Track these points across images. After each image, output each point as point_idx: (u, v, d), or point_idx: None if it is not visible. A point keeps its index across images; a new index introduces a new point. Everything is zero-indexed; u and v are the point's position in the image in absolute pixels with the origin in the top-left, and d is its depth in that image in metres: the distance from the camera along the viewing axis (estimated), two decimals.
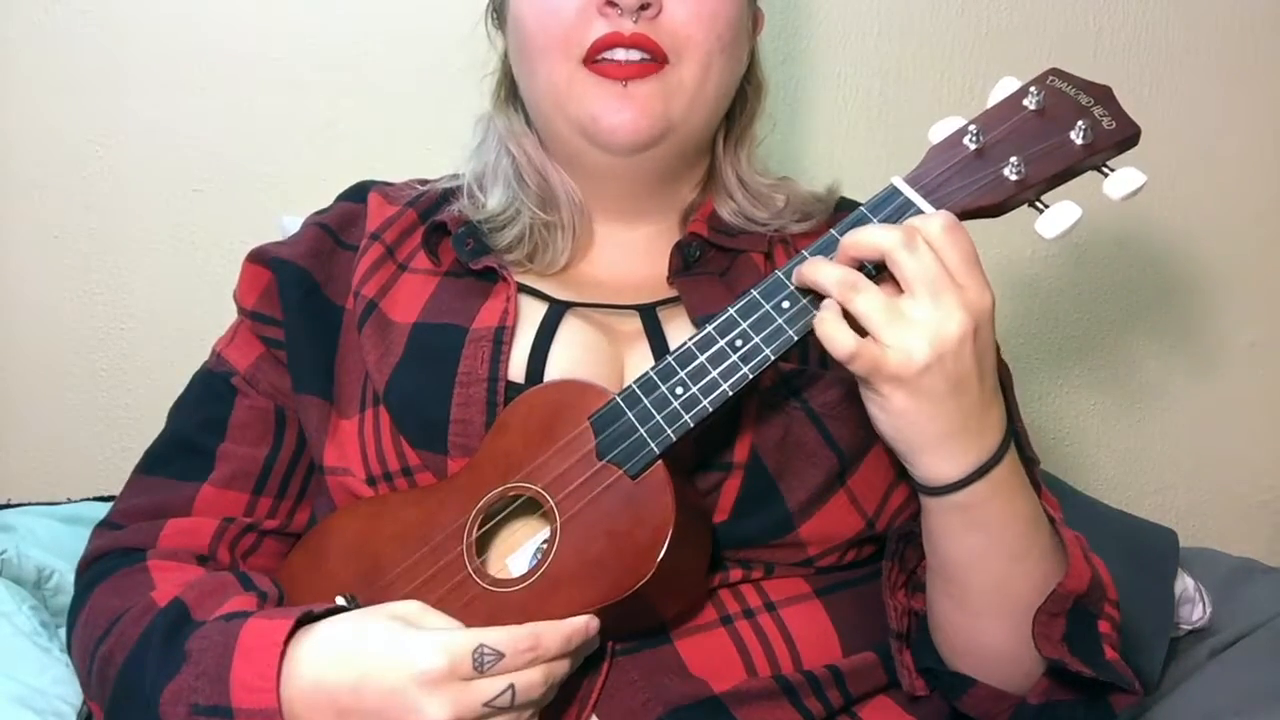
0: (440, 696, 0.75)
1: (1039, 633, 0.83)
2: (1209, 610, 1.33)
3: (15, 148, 1.43)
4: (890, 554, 0.93)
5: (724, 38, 0.97)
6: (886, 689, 0.91)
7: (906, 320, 0.76)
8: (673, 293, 0.99)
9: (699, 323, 0.94)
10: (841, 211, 1.07)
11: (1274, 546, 1.64)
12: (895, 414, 0.79)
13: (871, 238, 0.78)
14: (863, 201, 1.10)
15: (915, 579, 0.94)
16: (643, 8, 0.93)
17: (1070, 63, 1.51)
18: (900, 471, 0.93)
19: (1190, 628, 1.33)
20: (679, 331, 0.95)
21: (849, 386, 0.93)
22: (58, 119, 1.43)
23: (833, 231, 0.82)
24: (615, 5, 0.93)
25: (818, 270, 0.79)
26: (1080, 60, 1.52)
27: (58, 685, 0.99)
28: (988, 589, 0.86)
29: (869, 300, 0.76)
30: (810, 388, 0.92)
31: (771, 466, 0.90)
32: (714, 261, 1.01)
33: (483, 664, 0.76)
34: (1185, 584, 1.33)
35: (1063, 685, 0.87)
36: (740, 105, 1.06)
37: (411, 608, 0.81)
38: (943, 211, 0.79)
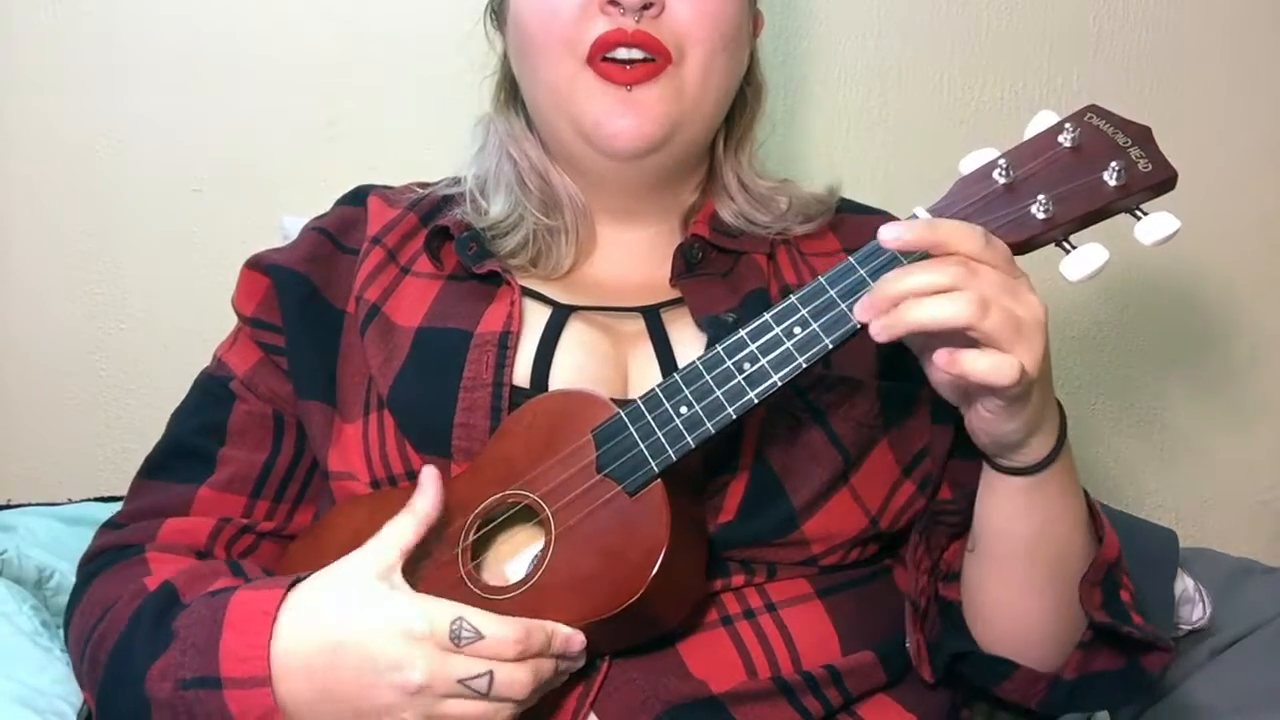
0: (415, 655, 0.75)
1: (1085, 600, 0.86)
2: (1209, 610, 1.33)
3: (15, 148, 1.43)
4: (919, 529, 0.93)
5: (726, 37, 0.97)
6: (886, 688, 0.91)
7: (1020, 322, 0.76)
8: (676, 294, 0.99)
9: (702, 323, 0.94)
10: (844, 214, 1.07)
11: (1274, 546, 1.64)
12: (1028, 411, 0.80)
13: (957, 240, 0.76)
14: (864, 203, 1.11)
15: (940, 568, 0.95)
16: (645, 7, 0.93)
17: (1070, 63, 1.53)
18: (906, 469, 0.94)
19: (1190, 628, 1.33)
20: (683, 333, 0.96)
21: (851, 386, 0.93)
22: (58, 119, 1.43)
23: (851, 259, 0.80)
24: (618, 4, 0.93)
25: (939, 311, 0.74)
26: (1080, 60, 1.53)
27: (58, 685, 0.99)
28: (1049, 561, 0.88)
29: (999, 318, 0.75)
30: (813, 387, 0.92)
31: (777, 466, 0.90)
32: (716, 262, 1.01)
33: (459, 638, 0.76)
34: (1185, 584, 1.33)
35: (1095, 656, 0.89)
36: (740, 107, 1.06)
37: (380, 556, 0.81)
38: (968, 224, 0.78)
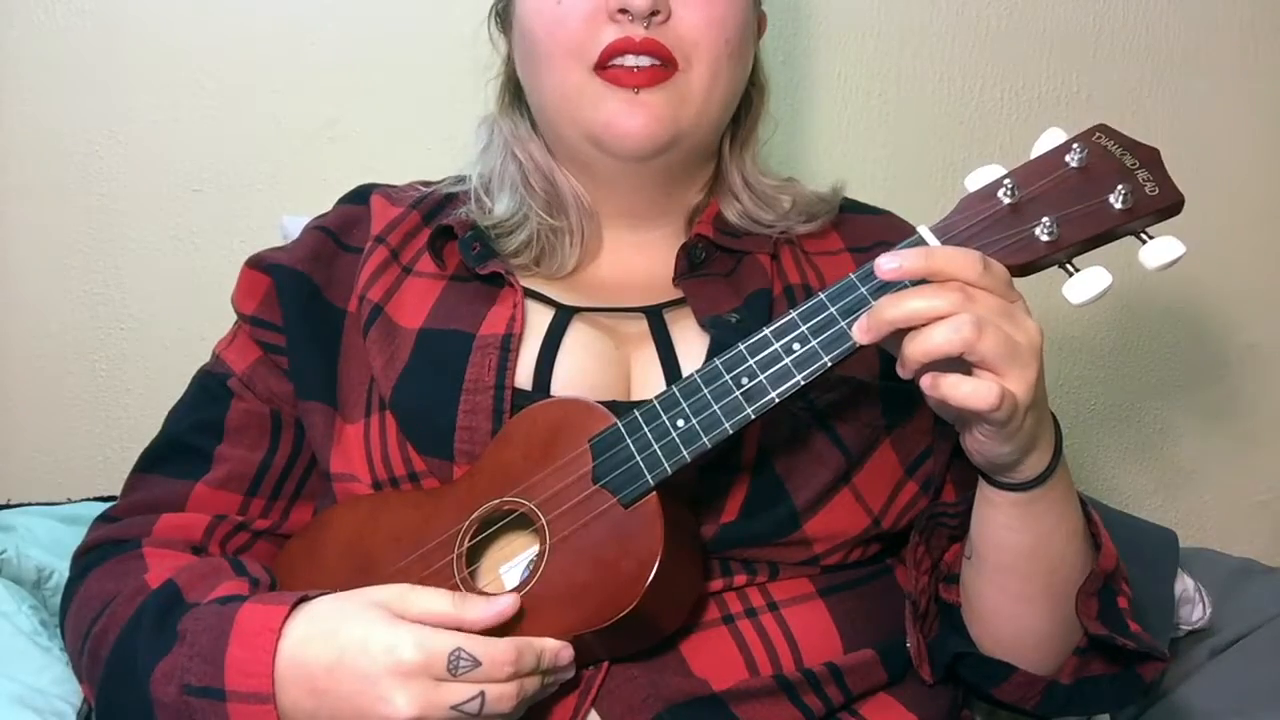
0: (410, 690, 0.76)
1: (1081, 611, 0.86)
2: (1209, 611, 1.33)
3: (15, 148, 1.43)
4: (919, 529, 0.94)
5: (732, 43, 0.97)
6: (887, 686, 0.91)
7: (1016, 347, 0.76)
8: (679, 294, 0.99)
9: (705, 324, 0.94)
10: (847, 213, 1.07)
11: (1274, 546, 1.64)
12: (1021, 434, 0.79)
13: (955, 268, 0.76)
14: (866, 203, 1.11)
15: (940, 569, 0.96)
16: (653, 13, 0.93)
17: (1070, 63, 1.53)
18: (909, 469, 0.94)
19: (1190, 628, 1.33)
20: (686, 334, 0.96)
21: (853, 387, 0.93)
22: (58, 119, 1.43)
23: (852, 277, 0.80)
24: (626, 11, 0.93)
25: (937, 340, 0.74)
26: (1080, 60, 1.54)
27: (58, 685, 0.99)
28: (1045, 573, 0.88)
29: (995, 342, 0.75)
30: (816, 388, 0.91)
31: (779, 467, 0.90)
32: (720, 263, 1.01)
33: (457, 668, 0.76)
34: (1185, 584, 1.33)
35: (1091, 662, 0.90)
36: (745, 108, 1.06)
37: (394, 592, 0.81)
38: (965, 250, 0.78)
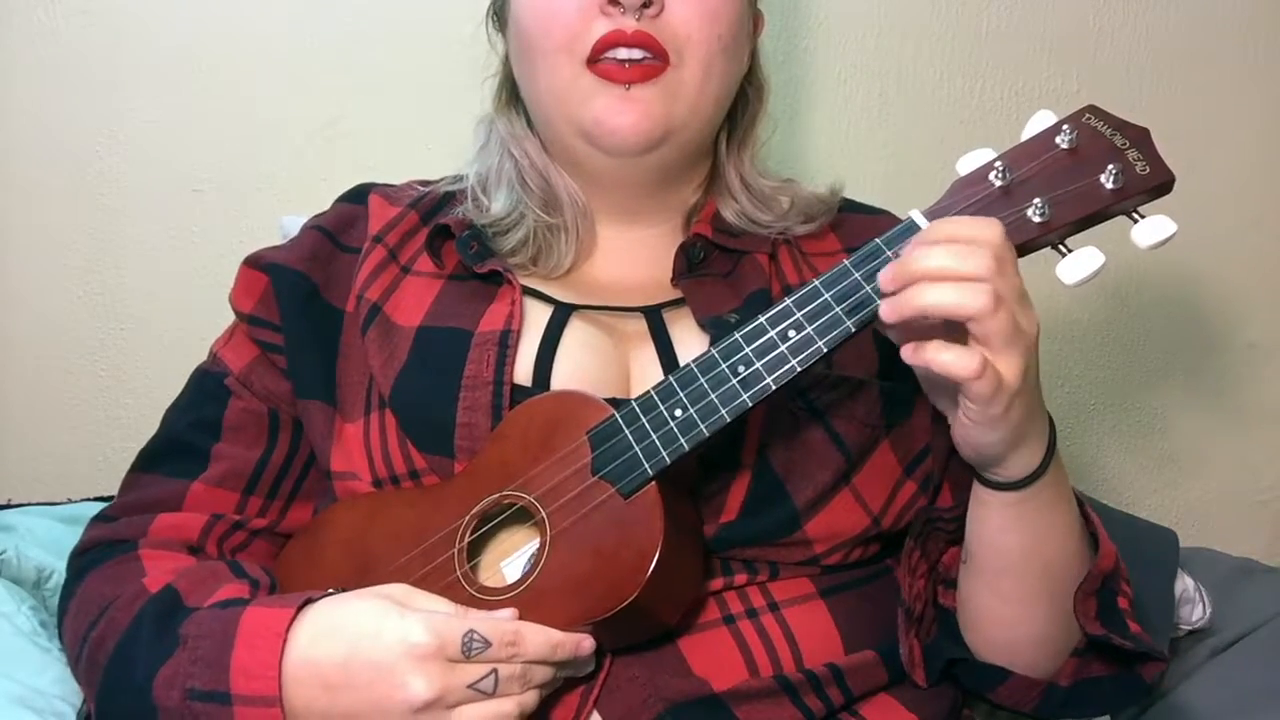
0: (427, 673, 0.77)
1: (1079, 612, 0.86)
2: (1209, 610, 1.33)
3: (15, 148, 1.43)
4: (914, 535, 0.93)
5: (725, 37, 0.97)
6: (888, 687, 0.91)
7: (1019, 332, 0.76)
8: (678, 294, 0.99)
9: (704, 324, 0.94)
10: (845, 214, 1.07)
11: (1274, 546, 1.64)
12: (1008, 421, 0.79)
13: (979, 235, 0.75)
14: (865, 203, 1.11)
15: (938, 572, 0.95)
16: (645, 5, 0.93)
17: (1070, 63, 1.53)
18: (908, 469, 0.94)
19: (1190, 628, 1.33)
20: (684, 333, 0.96)
21: (852, 385, 0.93)
22: (58, 119, 1.43)
23: (846, 263, 0.80)
24: (618, 3, 0.93)
25: (947, 298, 0.73)
26: (1080, 60, 1.54)
27: (58, 685, 0.99)
28: (1041, 574, 0.88)
29: (1004, 321, 0.74)
30: (815, 387, 0.92)
31: (779, 466, 0.90)
32: (718, 262, 1.01)
33: (470, 650, 0.78)
34: (1185, 584, 1.33)
35: (1090, 663, 0.90)
36: (742, 107, 1.06)
37: (398, 589, 0.82)
38: (982, 219, 0.78)
